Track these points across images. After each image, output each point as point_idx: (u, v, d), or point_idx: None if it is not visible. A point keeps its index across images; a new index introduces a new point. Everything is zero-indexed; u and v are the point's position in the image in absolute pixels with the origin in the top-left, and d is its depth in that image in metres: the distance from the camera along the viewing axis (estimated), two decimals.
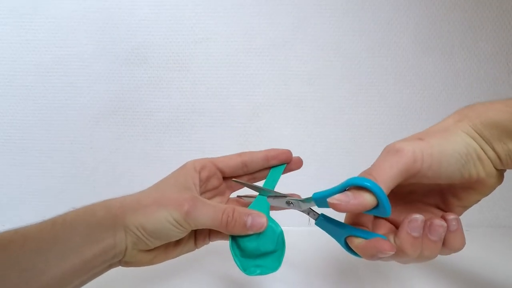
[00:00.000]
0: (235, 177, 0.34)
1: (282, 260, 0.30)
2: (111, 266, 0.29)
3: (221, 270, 0.42)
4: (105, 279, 0.29)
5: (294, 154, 0.55)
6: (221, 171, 0.33)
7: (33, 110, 0.51)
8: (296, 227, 0.53)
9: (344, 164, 0.54)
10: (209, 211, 0.28)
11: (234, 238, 0.30)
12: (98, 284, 0.29)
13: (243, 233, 0.29)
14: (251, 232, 0.29)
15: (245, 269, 0.30)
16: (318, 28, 0.51)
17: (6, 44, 0.50)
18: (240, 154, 0.33)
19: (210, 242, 0.33)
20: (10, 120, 0.51)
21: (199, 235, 0.32)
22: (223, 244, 0.32)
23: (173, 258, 0.32)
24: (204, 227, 0.29)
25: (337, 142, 0.53)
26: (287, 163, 0.34)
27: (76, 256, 0.26)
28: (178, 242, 0.31)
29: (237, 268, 0.30)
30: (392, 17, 0.51)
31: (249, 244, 0.30)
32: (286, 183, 0.53)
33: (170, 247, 0.31)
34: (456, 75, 0.52)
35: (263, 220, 0.29)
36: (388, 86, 0.52)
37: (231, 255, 0.30)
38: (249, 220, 0.29)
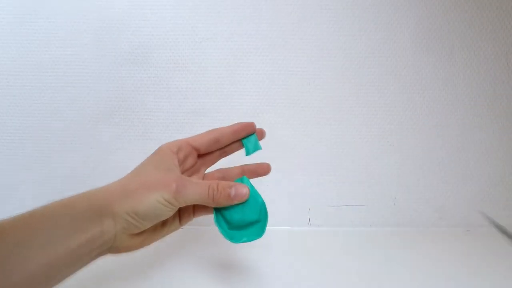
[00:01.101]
0: (209, 153, 0.37)
1: (265, 228, 0.33)
2: (99, 254, 0.29)
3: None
4: (99, 270, 0.31)
5: (294, 154, 0.56)
6: (196, 149, 0.35)
7: (33, 110, 0.51)
8: (296, 227, 0.53)
9: (344, 164, 0.54)
10: (196, 188, 0.31)
11: (219, 212, 0.33)
12: (91, 273, 0.30)
13: (228, 204, 0.32)
14: (236, 202, 0.32)
15: (232, 238, 0.32)
16: (318, 28, 0.51)
17: (6, 44, 0.50)
18: (210, 131, 0.36)
19: (196, 226, 0.36)
20: (10, 120, 0.51)
21: (183, 213, 0.35)
22: (209, 231, 0.34)
23: (161, 238, 0.33)
24: (192, 203, 0.31)
25: (337, 142, 0.53)
26: (255, 133, 0.37)
27: (60, 247, 0.26)
28: (164, 222, 0.33)
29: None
30: (392, 17, 0.51)
31: (235, 216, 0.32)
32: (285, 184, 0.53)
33: (157, 228, 0.32)
34: (456, 75, 0.52)
35: (245, 190, 0.32)
36: (388, 86, 0.52)
37: (218, 228, 0.33)
38: (232, 191, 0.31)
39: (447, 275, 0.41)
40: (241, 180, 0.35)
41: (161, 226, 0.33)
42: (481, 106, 0.53)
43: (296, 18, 0.51)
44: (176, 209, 0.31)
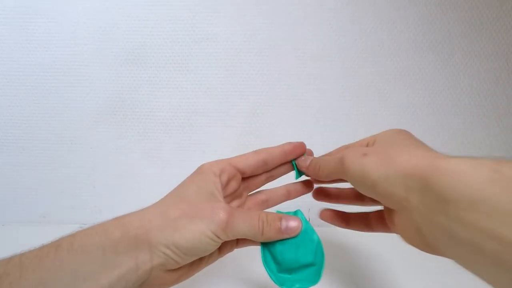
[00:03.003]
0: (254, 176, 0.33)
1: (321, 273, 0.29)
2: None
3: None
4: None
5: None
6: (241, 172, 0.32)
7: (33, 110, 0.51)
8: None
9: None
10: (246, 220, 0.27)
11: (268, 249, 0.29)
12: None
13: (277, 238, 0.28)
14: (286, 236, 0.28)
15: (282, 284, 0.29)
16: (318, 28, 0.51)
17: (6, 44, 0.50)
18: (257, 152, 0.32)
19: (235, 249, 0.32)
20: (10, 120, 0.51)
21: (225, 244, 0.30)
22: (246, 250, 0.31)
23: (197, 272, 0.30)
24: (241, 237, 0.28)
25: (337, 142, 0.53)
26: (305, 154, 0.34)
27: (90, 286, 0.23)
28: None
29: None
30: (392, 17, 0.51)
31: (287, 255, 0.28)
32: (285, 184, 0.52)
33: (195, 261, 0.28)
34: (456, 75, 0.52)
35: (296, 223, 0.28)
36: (388, 86, 0.52)
37: (265, 270, 0.29)
38: (283, 223, 0.28)
39: (447, 275, 0.41)
40: (295, 213, 0.30)
41: (200, 260, 0.29)
42: (481, 106, 0.53)
43: (296, 18, 0.51)
44: (221, 242, 0.27)
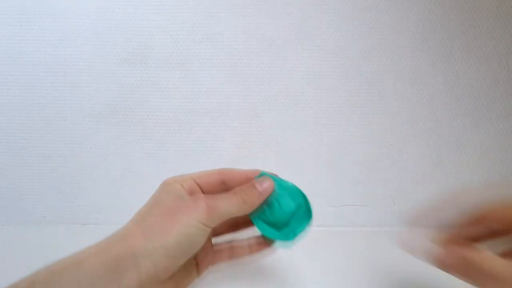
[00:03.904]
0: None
1: (310, 207, 0.32)
2: None
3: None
4: None
5: (294, 154, 0.55)
6: (201, 188, 0.32)
7: (33, 110, 0.51)
8: None
9: (345, 164, 0.54)
10: (225, 198, 0.28)
11: (259, 219, 0.31)
12: None
13: (261, 201, 0.30)
14: (266, 196, 0.30)
15: (287, 237, 0.31)
16: (318, 28, 0.51)
17: (6, 44, 0.50)
18: (219, 171, 0.32)
19: (211, 267, 0.32)
20: (10, 120, 0.51)
21: (201, 260, 0.31)
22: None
23: (193, 282, 0.30)
24: (227, 217, 0.28)
25: (337, 142, 0.53)
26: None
27: None
28: (184, 272, 0.29)
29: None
30: (392, 17, 0.51)
31: (275, 213, 0.31)
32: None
33: (188, 267, 0.29)
34: (456, 75, 0.52)
35: (268, 180, 0.30)
36: (388, 86, 0.52)
37: (268, 237, 0.31)
38: (258, 187, 0.30)
39: (447, 275, 0.41)
40: (261, 175, 0.32)
41: (192, 267, 0.30)
42: (481, 106, 0.53)
43: (296, 18, 0.51)
44: (209, 231, 0.27)
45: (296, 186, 0.32)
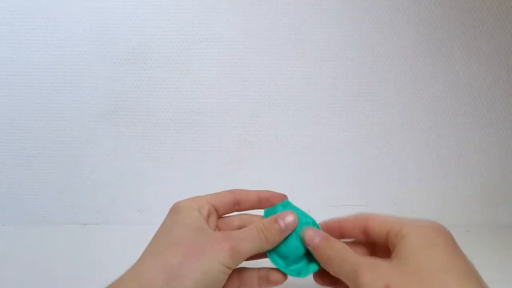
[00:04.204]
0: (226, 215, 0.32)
1: None
2: None
3: None
4: None
5: (294, 155, 0.55)
6: (216, 210, 0.31)
7: (33, 110, 0.51)
8: None
9: (344, 164, 0.54)
10: (247, 237, 0.27)
11: (274, 252, 0.29)
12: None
13: (282, 238, 0.28)
14: (289, 233, 0.28)
15: (299, 273, 0.29)
16: (318, 28, 0.51)
17: (6, 44, 0.50)
18: (232, 192, 0.31)
19: None
20: (10, 120, 0.51)
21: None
22: None
23: None
24: (249, 255, 0.27)
25: (337, 143, 0.53)
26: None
27: None
28: None
29: None
30: (392, 17, 0.51)
31: (291, 248, 0.29)
32: (285, 184, 0.53)
33: None
34: (456, 75, 0.52)
35: (292, 215, 0.29)
36: (388, 86, 0.52)
37: (280, 269, 0.29)
38: (281, 223, 0.28)
39: None
40: (283, 205, 0.31)
41: None
42: (481, 106, 0.53)
43: (296, 18, 0.51)
44: (230, 271, 0.26)
45: (316, 223, 0.30)
